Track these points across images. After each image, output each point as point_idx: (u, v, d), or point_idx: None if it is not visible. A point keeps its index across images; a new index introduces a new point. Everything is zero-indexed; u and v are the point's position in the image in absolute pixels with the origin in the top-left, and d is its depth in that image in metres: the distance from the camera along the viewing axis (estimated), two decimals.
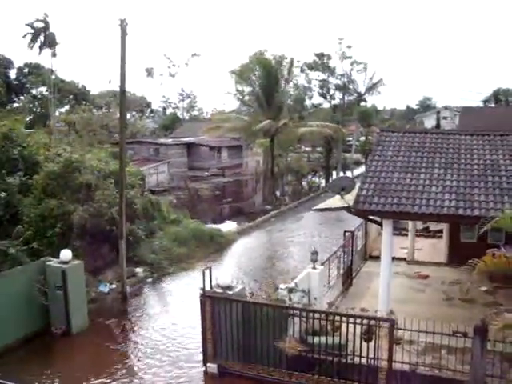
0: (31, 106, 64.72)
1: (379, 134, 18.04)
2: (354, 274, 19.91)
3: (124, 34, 19.52)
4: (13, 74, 68.00)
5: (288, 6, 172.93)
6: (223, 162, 47.92)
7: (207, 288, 13.85)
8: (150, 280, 23.50)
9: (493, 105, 73.75)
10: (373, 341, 12.37)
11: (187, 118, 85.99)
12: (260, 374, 13.47)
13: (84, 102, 60.30)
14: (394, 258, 16.78)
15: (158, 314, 19.78)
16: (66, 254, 17.19)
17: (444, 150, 15.96)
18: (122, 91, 20.68)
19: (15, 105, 65.10)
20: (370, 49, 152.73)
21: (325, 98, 67.01)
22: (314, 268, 15.02)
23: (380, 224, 15.45)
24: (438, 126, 68.87)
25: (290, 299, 13.57)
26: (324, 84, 65.48)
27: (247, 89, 50.66)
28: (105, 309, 19.90)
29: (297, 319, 13.15)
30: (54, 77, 59.02)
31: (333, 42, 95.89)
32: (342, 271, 18.48)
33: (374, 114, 74.22)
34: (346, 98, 65.77)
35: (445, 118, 73.75)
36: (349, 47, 62.34)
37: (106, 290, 21.15)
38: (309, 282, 14.66)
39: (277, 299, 13.60)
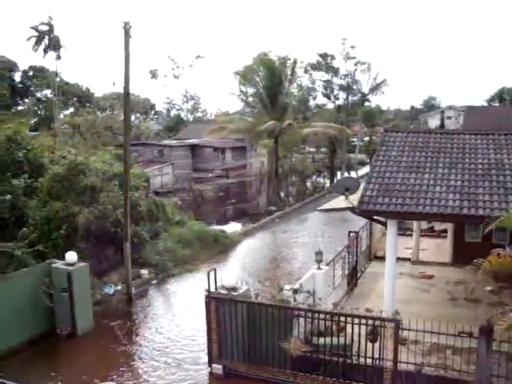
0: (36, 108, 64.98)
1: (383, 134, 18.04)
2: (358, 275, 19.89)
3: (128, 36, 19.59)
4: (17, 76, 68.23)
5: (291, 6, 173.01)
6: (227, 163, 47.92)
7: (212, 289, 13.89)
8: (154, 281, 23.54)
9: (497, 104, 73.48)
10: (378, 341, 12.36)
11: (191, 119, 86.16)
12: (265, 375, 13.47)
13: (88, 105, 60.62)
14: (398, 259, 16.78)
15: (162, 316, 19.80)
16: (71, 256, 17.25)
17: (448, 150, 15.93)
18: (126, 93, 20.75)
19: (20, 108, 65.30)
20: (373, 49, 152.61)
21: (329, 98, 67.05)
22: (318, 268, 15.02)
23: (384, 224, 15.44)
24: (442, 125, 68.74)
25: (295, 300, 13.57)
26: (328, 84, 65.50)
27: (251, 90, 50.73)
28: (110, 310, 19.94)
29: (302, 320, 13.16)
30: (58, 79, 59.31)
31: (336, 43, 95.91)
32: (346, 272, 18.48)
33: (378, 114, 74.22)
34: (349, 98, 65.80)
35: (449, 117, 73.61)
36: (352, 47, 62.49)
37: (111, 291, 21.20)
38: (313, 282, 14.66)
39: (281, 300, 13.61)
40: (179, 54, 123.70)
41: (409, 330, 12.30)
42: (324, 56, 64.23)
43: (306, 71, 64.40)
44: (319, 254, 15.15)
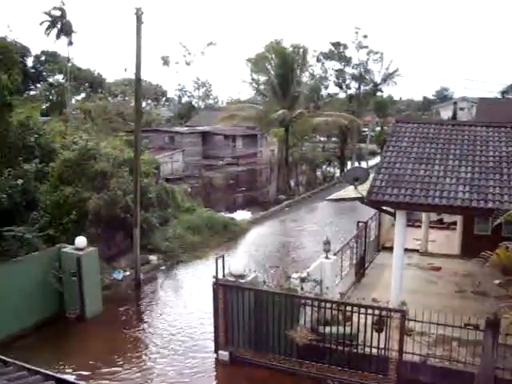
0: (47, 93, 65.18)
1: (394, 124, 17.96)
2: (366, 265, 19.92)
3: (140, 22, 19.59)
4: (30, 61, 68.57)
5: None
6: (238, 151, 48.00)
7: (220, 276, 13.98)
8: (163, 268, 23.67)
9: (511, 96, 72.68)
10: (384, 331, 12.41)
11: (202, 106, 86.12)
12: (271, 362, 13.60)
13: (100, 90, 60.67)
14: (407, 250, 16.78)
15: (171, 302, 19.98)
16: (81, 240, 17.41)
17: (459, 142, 15.84)
18: (138, 79, 20.79)
19: (32, 92, 65.56)
20: (386, 39, 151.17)
21: (341, 87, 66.73)
22: (326, 258, 15.06)
23: (393, 215, 15.42)
24: (454, 117, 68.08)
25: (302, 288, 13.64)
26: (340, 74, 65.18)
27: (263, 78, 50.59)
28: (118, 295, 20.10)
29: (308, 308, 13.23)
30: (70, 65, 59.48)
31: (349, 32, 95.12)
32: (354, 262, 18.50)
33: (389, 104, 73.82)
34: (361, 88, 65.39)
35: (462, 109, 72.82)
36: (365, 37, 61.99)
37: (120, 276, 21.36)
38: (321, 271, 14.70)
39: (289, 288, 13.68)
40: (191, 41, 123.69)
41: (415, 320, 12.34)
42: (336, 45, 63.90)
43: (318, 60, 64.17)
44: (327, 243, 15.17)
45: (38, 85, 68.64)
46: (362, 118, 63.88)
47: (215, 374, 14.38)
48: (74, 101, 63.31)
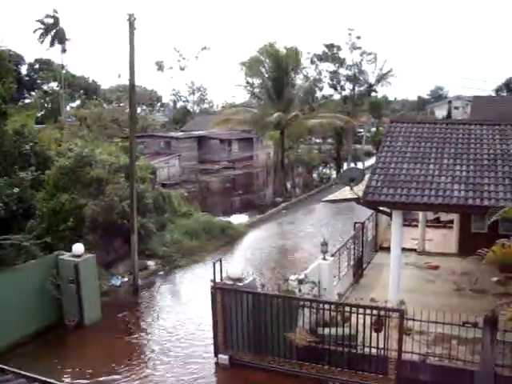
0: (42, 101, 65.11)
1: (389, 124, 18.00)
2: (364, 265, 19.92)
3: (132, 28, 19.61)
4: (24, 69, 68.51)
5: None
6: (234, 154, 47.93)
7: (218, 280, 13.97)
8: (161, 273, 23.66)
9: (505, 94, 72.90)
10: (383, 331, 12.42)
11: (197, 111, 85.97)
12: (271, 365, 13.58)
13: (95, 97, 60.58)
14: (404, 249, 16.80)
15: (169, 307, 19.95)
16: (78, 247, 17.38)
17: (453, 140, 15.90)
18: (132, 85, 20.81)
19: (27, 101, 65.47)
20: (380, 39, 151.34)
21: (335, 89, 66.85)
22: (324, 259, 15.07)
23: (390, 215, 15.45)
24: (449, 115, 68.32)
25: (300, 290, 13.64)
26: (334, 75, 65.29)
27: (257, 81, 50.63)
28: (117, 302, 20.07)
29: (307, 310, 13.22)
30: (64, 72, 59.48)
31: (342, 33, 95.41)
32: (352, 262, 18.50)
33: (384, 104, 73.90)
34: (356, 88, 65.58)
35: (456, 107, 73.08)
36: (358, 38, 62.24)
37: (118, 282, 21.35)
38: (319, 273, 14.72)
39: (287, 290, 13.68)
40: (185, 46, 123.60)
41: (414, 320, 12.35)
42: (330, 47, 64.03)
43: (312, 62, 64.25)
44: (324, 244, 15.20)
45: (33, 93, 68.61)
46: (358, 119, 63.95)
47: (215, 378, 14.32)
48: (68, 108, 63.27)
